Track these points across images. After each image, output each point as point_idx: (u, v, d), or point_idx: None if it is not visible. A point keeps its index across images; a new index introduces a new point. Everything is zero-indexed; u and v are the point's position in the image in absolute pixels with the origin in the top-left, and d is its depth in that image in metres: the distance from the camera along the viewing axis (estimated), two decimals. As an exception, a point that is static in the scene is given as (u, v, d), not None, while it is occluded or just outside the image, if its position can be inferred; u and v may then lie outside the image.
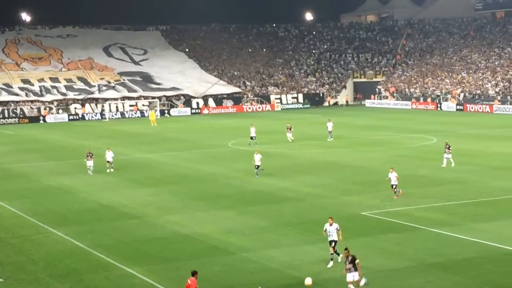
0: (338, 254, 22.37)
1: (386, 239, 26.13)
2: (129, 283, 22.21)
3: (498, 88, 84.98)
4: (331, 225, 23.01)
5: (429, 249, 24.59)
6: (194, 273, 18.56)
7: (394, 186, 32.92)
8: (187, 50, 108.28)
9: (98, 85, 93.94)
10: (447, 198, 32.55)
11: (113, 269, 23.54)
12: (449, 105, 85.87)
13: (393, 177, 32.96)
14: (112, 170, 43.32)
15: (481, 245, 24.84)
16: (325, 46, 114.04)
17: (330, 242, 22.83)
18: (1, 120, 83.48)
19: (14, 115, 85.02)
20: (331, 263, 22.40)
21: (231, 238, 26.15)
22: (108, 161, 43.50)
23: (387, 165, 39.62)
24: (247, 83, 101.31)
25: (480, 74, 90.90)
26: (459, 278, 20.48)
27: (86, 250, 25.95)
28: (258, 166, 39.52)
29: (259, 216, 30.13)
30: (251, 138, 54.72)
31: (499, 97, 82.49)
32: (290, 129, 57.19)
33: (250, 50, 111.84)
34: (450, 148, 40.76)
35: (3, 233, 29.08)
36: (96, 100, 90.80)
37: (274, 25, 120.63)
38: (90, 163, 42.95)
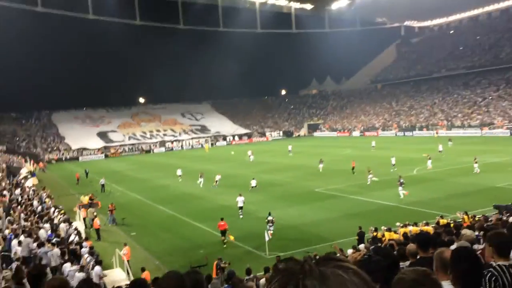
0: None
1: (327, 202, 26.05)
2: (198, 231, 22.17)
3: (380, 123, 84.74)
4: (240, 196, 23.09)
5: (350, 206, 24.50)
6: (222, 219, 19.00)
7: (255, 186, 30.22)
8: (220, 111, 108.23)
9: (179, 132, 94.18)
10: (357, 180, 32.42)
11: (190, 225, 23.51)
12: (355, 133, 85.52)
13: (253, 182, 30.58)
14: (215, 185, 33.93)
15: (377, 203, 24.74)
16: (292, 106, 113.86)
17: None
18: (131, 152, 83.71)
19: (137, 150, 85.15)
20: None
21: (250, 206, 25.70)
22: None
23: (327, 165, 39.36)
24: (254, 127, 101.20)
25: (371, 117, 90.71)
26: (367, 220, 20.24)
27: (176, 216, 25.96)
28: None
29: (260, 194, 29.76)
30: (249, 157, 51.30)
31: (380, 128, 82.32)
32: (252, 153, 51.42)
33: (255, 110, 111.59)
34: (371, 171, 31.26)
35: (134, 209, 29.18)
36: (178, 140, 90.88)
37: (266, 97, 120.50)
38: (201, 179, 35.12)
